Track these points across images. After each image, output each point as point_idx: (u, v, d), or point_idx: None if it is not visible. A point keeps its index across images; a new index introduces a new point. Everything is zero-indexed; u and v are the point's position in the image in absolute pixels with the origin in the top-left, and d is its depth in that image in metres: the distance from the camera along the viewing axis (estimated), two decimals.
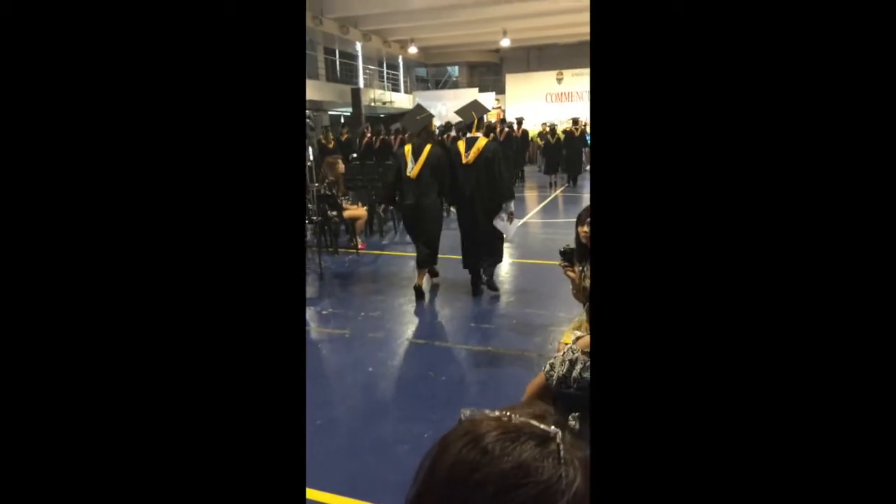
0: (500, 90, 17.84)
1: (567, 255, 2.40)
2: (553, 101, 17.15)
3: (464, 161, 3.79)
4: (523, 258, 5.38)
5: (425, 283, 4.13)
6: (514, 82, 17.66)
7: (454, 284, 4.47)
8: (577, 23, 13.36)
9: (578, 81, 16.97)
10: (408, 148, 3.98)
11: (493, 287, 4.12)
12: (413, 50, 15.66)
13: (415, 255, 4.16)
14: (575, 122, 11.88)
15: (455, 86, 19.80)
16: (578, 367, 1.39)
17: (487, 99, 17.24)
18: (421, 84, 20.60)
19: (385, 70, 17.54)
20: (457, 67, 19.97)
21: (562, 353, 1.44)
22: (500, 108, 16.64)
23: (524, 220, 7.33)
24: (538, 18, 12.89)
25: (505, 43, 14.70)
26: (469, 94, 17.47)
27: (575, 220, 2.44)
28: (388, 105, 16.43)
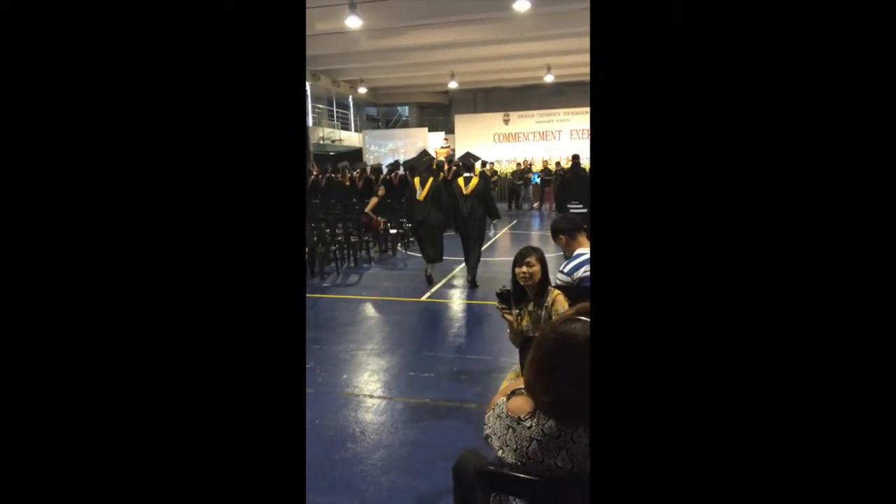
0: (450, 130, 18.17)
1: (504, 297, 2.31)
2: (501, 142, 17.58)
3: (464, 193, 5.70)
4: (468, 298, 5.29)
5: (430, 270, 5.89)
6: (462, 123, 18.04)
7: (399, 324, 4.31)
8: (521, 68, 13.88)
9: (524, 123, 17.52)
10: (417, 180, 5.87)
11: (475, 284, 5.66)
12: (362, 90, 15.77)
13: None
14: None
15: (405, 125, 20.03)
16: (513, 438, 1.23)
17: (436, 138, 17.49)
18: (371, 123, 20.72)
19: (335, 109, 17.54)
20: (407, 107, 20.25)
21: (493, 414, 1.28)
22: (448, 147, 16.89)
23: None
24: (484, 63, 13.30)
25: (453, 85, 15.05)
26: (419, 134, 17.69)
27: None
28: (336, 143, 16.36)
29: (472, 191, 5.59)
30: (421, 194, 5.67)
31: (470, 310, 4.96)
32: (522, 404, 1.19)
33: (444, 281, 6.00)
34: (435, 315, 4.82)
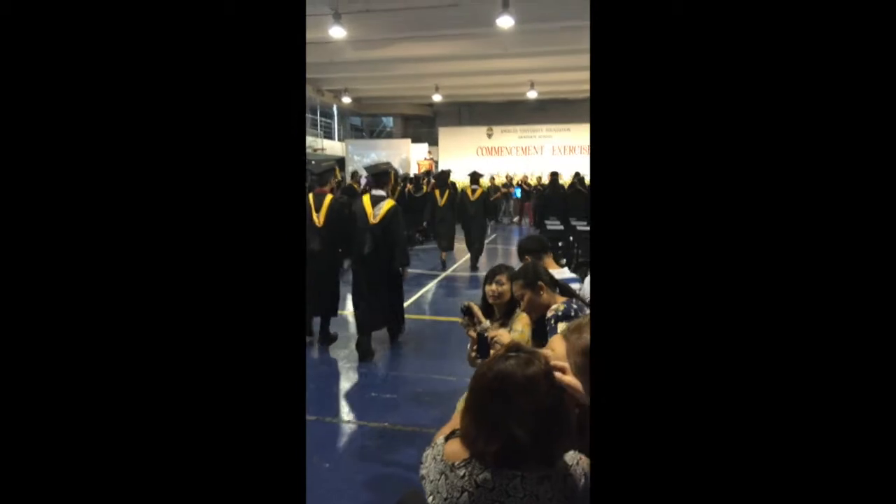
0: (433, 142, 18.18)
1: (468, 313, 2.23)
2: (484, 155, 17.63)
3: (471, 199, 7.56)
4: (436, 314, 5.19)
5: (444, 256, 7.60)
6: (446, 135, 18.08)
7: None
8: (505, 83, 13.96)
9: (507, 138, 17.62)
10: (437, 192, 7.61)
11: (475, 267, 7.16)
12: (347, 100, 15.70)
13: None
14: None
15: (389, 136, 19.99)
16: (444, 485, 1.14)
17: (420, 150, 17.48)
18: (355, 133, 20.65)
19: (318, 118, 17.44)
20: (391, 118, 20.23)
21: (431, 453, 1.19)
22: (431, 159, 16.88)
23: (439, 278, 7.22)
24: (469, 77, 13.34)
25: (437, 98, 15.08)
26: (402, 145, 17.67)
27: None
28: (319, 152, 16.25)
29: (478, 198, 7.73)
30: (441, 202, 7.86)
31: (437, 326, 4.87)
32: (459, 449, 1.10)
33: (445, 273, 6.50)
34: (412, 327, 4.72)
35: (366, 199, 3.95)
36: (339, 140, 18.60)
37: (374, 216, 3.85)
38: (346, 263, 4.40)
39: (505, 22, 7.92)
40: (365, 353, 3.86)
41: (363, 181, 10.04)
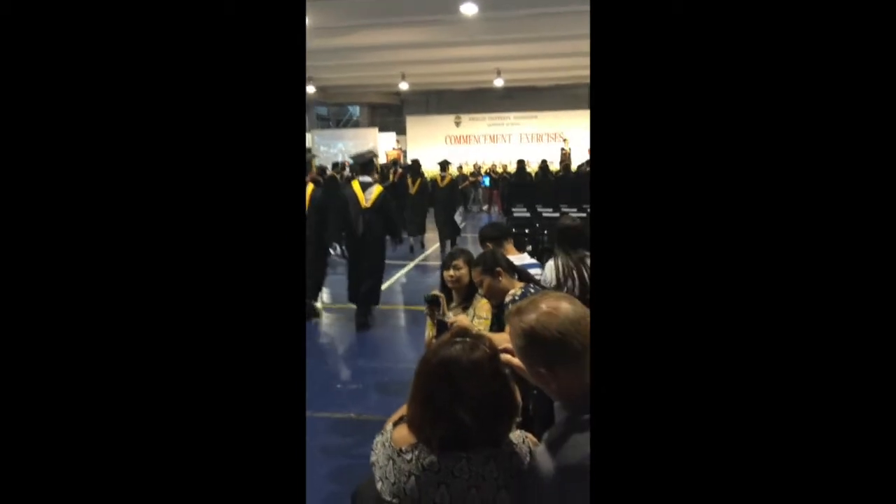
0: (401, 131, 18.04)
1: (433, 301, 2.24)
2: (452, 144, 17.59)
3: (440, 186, 8.00)
4: (403, 304, 5.20)
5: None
6: (414, 124, 17.96)
7: (328, 334, 4.16)
8: (472, 71, 13.91)
9: (475, 125, 17.61)
10: (437, 177, 8.01)
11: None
12: (311, 89, 15.41)
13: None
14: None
15: (356, 125, 19.73)
16: (392, 471, 1.13)
17: (388, 139, 17.32)
18: (322, 122, 20.30)
19: None
20: (358, 107, 19.97)
21: (381, 440, 1.18)
22: (399, 148, 16.76)
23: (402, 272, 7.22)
24: (435, 65, 13.25)
25: (404, 86, 14.94)
26: (369, 135, 17.47)
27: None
28: None
29: (447, 184, 8.12)
30: (413, 189, 8.05)
31: (406, 315, 4.87)
32: (406, 435, 1.11)
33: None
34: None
35: (355, 184, 4.29)
36: (306, 131, 18.28)
37: (367, 200, 4.20)
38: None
39: (469, 9, 7.89)
40: (361, 325, 4.21)
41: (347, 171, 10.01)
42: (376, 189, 4.27)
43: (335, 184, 7.61)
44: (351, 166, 8.48)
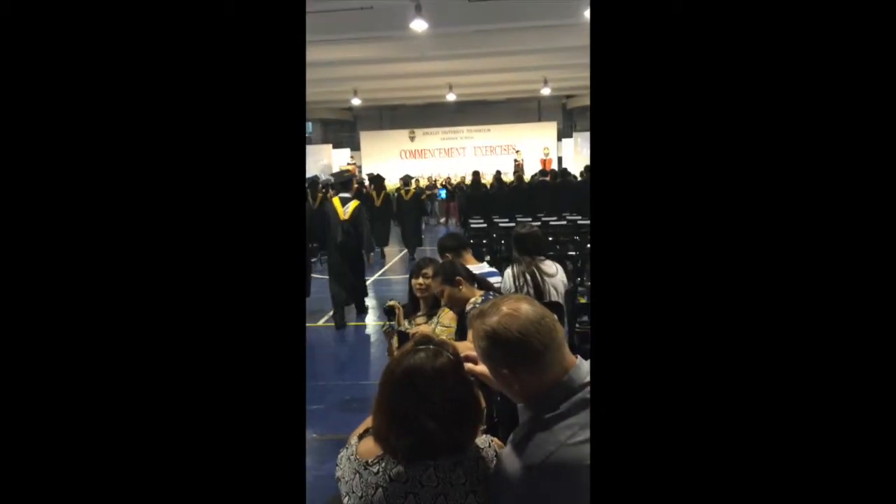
0: (355, 147, 17.95)
1: (389, 312, 2.21)
2: (407, 158, 17.65)
3: (405, 199, 8.41)
4: (362, 320, 5.13)
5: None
6: (368, 140, 17.93)
7: None
8: (424, 86, 14.04)
9: (430, 140, 17.75)
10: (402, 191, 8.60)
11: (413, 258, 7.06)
12: None
13: None
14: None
15: (309, 142, 19.50)
16: (359, 484, 1.10)
17: (342, 155, 17.19)
18: None
19: None
20: (310, 124, 19.76)
21: (345, 454, 1.15)
22: (354, 164, 16.66)
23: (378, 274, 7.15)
24: (388, 80, 13.30)
25: (356, 102, 14.91)
26: (323, 151, 17.29)
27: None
28: None
29: (411, 197, 8.96)
30: (378, 202, 8.78)
31: (370, 331, 4.81)
32: (372, 447, 1.09)
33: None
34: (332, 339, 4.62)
35: (336, 200, 5.06)
36: None
37: (345, 213, 4.89)
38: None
39: (418, 25, 7.97)
40: (339, 323, 4.83)
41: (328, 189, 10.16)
42: (353, 204, 4.97)
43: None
44: (332, 185, 8.60)
